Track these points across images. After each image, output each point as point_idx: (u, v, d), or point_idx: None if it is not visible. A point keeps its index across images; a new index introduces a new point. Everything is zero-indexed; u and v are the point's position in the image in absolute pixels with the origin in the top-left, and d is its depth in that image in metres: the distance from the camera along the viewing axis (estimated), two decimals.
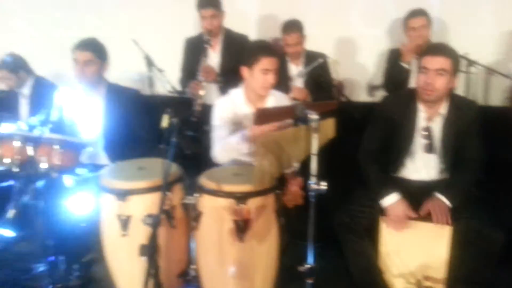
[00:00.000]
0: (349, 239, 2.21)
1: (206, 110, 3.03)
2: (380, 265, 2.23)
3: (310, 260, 1.91)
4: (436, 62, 2.06)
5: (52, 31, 4.12)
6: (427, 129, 2.20)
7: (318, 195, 1.75)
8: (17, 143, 2.24)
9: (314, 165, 1.71)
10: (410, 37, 2.98)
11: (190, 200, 2.01)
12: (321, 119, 1.67)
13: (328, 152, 1.91)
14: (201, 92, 2.97)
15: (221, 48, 3.14)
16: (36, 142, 2.22)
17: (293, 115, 1.74)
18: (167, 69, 3.20)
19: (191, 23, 3.56)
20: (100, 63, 2.58)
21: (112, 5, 3.99)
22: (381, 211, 2.20)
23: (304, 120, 1.68)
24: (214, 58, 3.13)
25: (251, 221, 1.91)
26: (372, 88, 3.31)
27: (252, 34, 3.37)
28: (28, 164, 2.19)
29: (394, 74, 3.01)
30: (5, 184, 2.81)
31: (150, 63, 3.12)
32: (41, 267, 2.76)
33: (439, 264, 2.14)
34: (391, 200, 2.16)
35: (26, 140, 2.23)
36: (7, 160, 2.27)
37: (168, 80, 3.14)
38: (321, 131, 1.68)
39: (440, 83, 2.07)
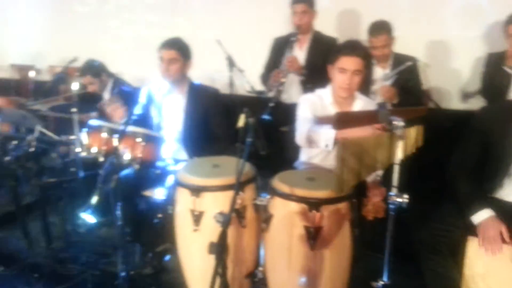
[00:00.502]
0: (430, 259, 2.03)
1: (284, 109, 3.02)
2: None
3: (385, 276, 1.79)
4: None
5: (143, 32, 4.39)
6: None
7: (399, 208, 1.63)
8: (104, 134, 2.39)
9: (396, 176, 1.59)
10: (511, 45, 2.71)
11: (261, 201, 1.99)
12: (408, 125, 1.55)
13: (412, 161, 1.77)
14: (283, 79, 2.96)
15: (308, 47, 3.11)
16: (121, 134, 2.34)
17: (376, 121, 1.63)
18: (248, 70, 3.23)
19: (276, 24, 3.56)
20: (184, 62, 2.64)
21: (201, 7, 4.13)
22: (469, 231, 1.99)
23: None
24: (300, 55, 3.10)
25: (323, 228, 1.83)
26: (466, 95, 3.04)
27: (332, 33, 3.28)
28: (112, 154, 2.31)
29: (495, 79, 2.76)
30: (90, 172, 3.04)
31: (231, 63, 3.17)
32: (118, 253, 2.94)
33: None
34: (483, 216, 1.93)
35: (113, 132, 2.37)
36: (94, 150, 2.43)
37: (248, 80, 3.16)
38: (407, 139, 1.56)
39: None
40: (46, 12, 4.87)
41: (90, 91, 3.46)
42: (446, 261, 2.03)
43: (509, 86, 2.70)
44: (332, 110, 2.26)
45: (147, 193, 2.66)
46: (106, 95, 3.47)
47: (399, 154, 1.56)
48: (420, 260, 2.08)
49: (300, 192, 1.85)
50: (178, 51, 2.60)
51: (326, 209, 1.82)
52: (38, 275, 2.69)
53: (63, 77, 4.16)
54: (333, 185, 1.77)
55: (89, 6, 4.61)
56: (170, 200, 2.23)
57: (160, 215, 2.71)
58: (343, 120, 1.66)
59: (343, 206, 1.87)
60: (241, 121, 1.75)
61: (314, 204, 1.80)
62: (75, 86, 3.73)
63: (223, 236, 1.57)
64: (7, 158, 2.98)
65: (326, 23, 3.33)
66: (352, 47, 2.22)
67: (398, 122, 1.51)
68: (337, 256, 1.91)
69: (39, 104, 3.86)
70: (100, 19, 4.58)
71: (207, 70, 3.48)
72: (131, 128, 2.31)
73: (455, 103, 3.28)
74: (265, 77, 3.22)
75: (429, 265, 2.06)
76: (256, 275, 2.11)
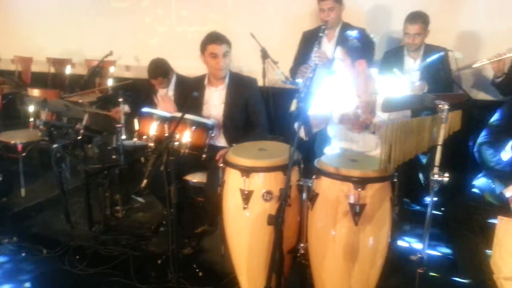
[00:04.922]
0: (462, 234, 2.19)
1: None
2: (491, 265, 2.17)
3: (423, 249, 1.93)
4: None
5: (177, 27, 4.56)
6: None
7: (440, 186, 1.78)
8: (155, 122, 2.55)
9: (438, 156, 1.75)
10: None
11: (306, 182, 2.15)
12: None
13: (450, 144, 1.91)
14: (310, 74, 3.08)
15: (336, 40, 3.21)
16: (171, 121, 2.50)
17: (421, 105, 1.78)
18: (281, 62, 3.38)
19: (306, 18, 3.71)
20: (230, 55, 2.81)
21: (234, 1, 4.26)
22: (499, 210, 2.14)
23: (433, 110, 1.72)
24: (328, 48, 3.21)
25: (367, 205, 1.98)
26: (494, 84, 3.12)
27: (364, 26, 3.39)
28: (162, 140, 2.46)
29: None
30: (138, 157, 3.21)
31: (265, 55, 3.31)
32: (157, 235, 3.11)
33: None
34: None
35: (163, 119, 2.54)
36: (145, 136, 2.60)
37: (282, 72, 3.31)
38: (448, 123, 1.71)
39: None
40: (83, 8, 5.04)
41: (156, 88, 3.56)
42: (476, 237, 2.18)
43: None
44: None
45: (188, 177, 2.83)
46: (171, 90, 3.54)
47: (442, 136, 1.71)
48: (453, 236, 2.24)
49: (346, 171, 2.01)
50: (228, 44, 2.77)
51: (370, 188, 1.97)
52: (80, 257, 2.83)
53: (98, 70, 4.36)
54: (377, 165, 1.93)
55: (125, 3, 4.78)
56: (218, 182, 2.38)
57: (201, 198, 2.90)
58: (391, 104, 1.80)
59: (385, 185, 2.03)
60: (294, 106, 1.90)
61: (360, 183, 1.95)
62: (109, 81, 3.96)
63: (282, 208, 1.72)
64: (55, 146, 3.18)
65: (358, 18, 3.45)
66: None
67: (443, 106, 1.66)
68: (378, 231, 2.06)
69: (77, 96, 4.06)
70: (135, 15, 4.74)
71: (236, 64, 3.63)
72: (180, 115, 2.46)
73: (483, 94, 3.41)
74: (294, 71, 3.34)
75: (460, 241, 2.22)
76: (298, 251, 2.27)
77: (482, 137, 2.30)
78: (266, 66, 3.38)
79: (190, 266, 2.70)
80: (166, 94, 2.79)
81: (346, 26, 3.22)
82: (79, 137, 3.08)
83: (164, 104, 2.80)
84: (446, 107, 1.66)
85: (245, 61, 3.80)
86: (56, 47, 5.28)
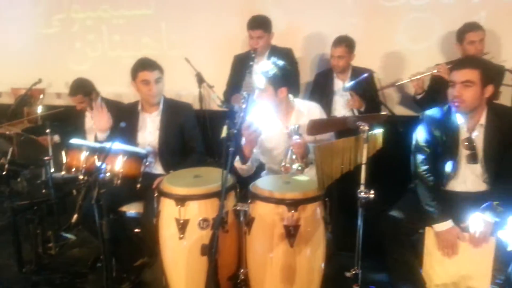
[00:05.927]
0: (392, 248, 2.27)
1: None
2: (423, 275, 2.26)
3: (357, 265, 1.98)
4: (462, 75, 2.14)
5: (109, 52, 4.44)
6: (469, 139, 2.23)
7: (367, 202, 1.85)
8: (84, 153, 2.44)
9: (363, 174, 1.82)
10: (467, 51, 3.04)
11: (243, 206, 2.14)
12: (370, 130, 1.78)
13: (374, 162, 1.99)
14: (243, 105, 3.10)
15: None
16: (101, 152, 2.40)
17: (344, 126, 1.85)
18: (216, 85, 3.39)
19: (239, 42, 3.76)
20: (163, 80, 2.77)
21: (168, 27, 4.20)
22: (426, 222, 2.24)
23: (355, 131, 1.80)
24: None
25: (301, 226, 2.00)
26: (416, 101, 3.33)
27: (298, 51, 3.51)
28: (93, 172, 2.36)
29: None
30: (69, 190, 3.05)
31: (201, 79, 3.31)
32: (94, 272, 2.95)
33: (483, 275, 2.15)
34: (445, 226, 2.17)
35: (93, 150, 2.43)
36: (74, 169, 2.47)
37: (218, 96, 3.32)
38: (370, 142, 1.79)
39: (467, 95, 2.14)
40: (9, 33, 4.79)
41: (78, 109, 3.43)
42: (407, 250, 2.27)
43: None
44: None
45: (124, 208, 2.73)
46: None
47: (365, 155, 1.79)
48: (383, 250, 2.32)
49: (279, 194, 2.03)
50: (160, 70, 2.74)
51: (302, 209, 2.00)
52: None
53: (27, 99, 4.14)
54: (309, 186, 1.96)
55: (54, 28, 4.58)
56: (153, 212, 2.31)
57: (137, 230, 2.79)
58: (316, 127, 1.86)
59: (317, 205, 2.07)
60: (224, 132, 1.91)
61: (292, 205, 1.98)
62: (39, 109, 3.77)
63: (215, 236, 1.70)
64: None
65: (294, 42, 3.59)
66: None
67: (364, 127, 1.74)
68: (314, 251, 2.09)
69: (3, 127, 3.81)
70: (65, 40, 4.57)
71: (174, 88, 3.60)
72: (111, 145, 2.38)
73: (406, 110, 3.60)
74: (228, 95, 3.38)
75: (391, 254, 2.29)
76: (238, 277, 2.24)
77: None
78: (202, 90, 3.38)
79: None
80: (101, 106, 2.64)
81: (274, 49, 3.31)
82: (4, 173, 2.88)
83: (99, 116, 2.66)
84: (367, 127, 1.73)
85: (182, 85, 3.78)
86: None
